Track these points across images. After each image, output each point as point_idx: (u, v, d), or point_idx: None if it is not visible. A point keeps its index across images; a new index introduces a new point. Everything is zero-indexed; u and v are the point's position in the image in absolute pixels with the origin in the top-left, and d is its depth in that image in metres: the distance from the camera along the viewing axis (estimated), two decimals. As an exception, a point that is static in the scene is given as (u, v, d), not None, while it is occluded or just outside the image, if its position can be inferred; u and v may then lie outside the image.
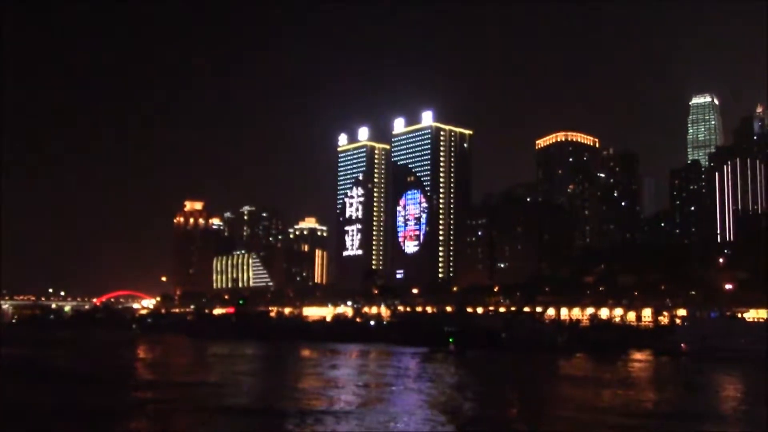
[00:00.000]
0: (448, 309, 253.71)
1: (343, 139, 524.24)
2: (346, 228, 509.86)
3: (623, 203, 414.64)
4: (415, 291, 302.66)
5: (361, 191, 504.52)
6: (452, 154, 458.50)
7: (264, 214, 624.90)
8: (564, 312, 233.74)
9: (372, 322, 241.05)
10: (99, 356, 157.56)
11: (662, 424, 69.39)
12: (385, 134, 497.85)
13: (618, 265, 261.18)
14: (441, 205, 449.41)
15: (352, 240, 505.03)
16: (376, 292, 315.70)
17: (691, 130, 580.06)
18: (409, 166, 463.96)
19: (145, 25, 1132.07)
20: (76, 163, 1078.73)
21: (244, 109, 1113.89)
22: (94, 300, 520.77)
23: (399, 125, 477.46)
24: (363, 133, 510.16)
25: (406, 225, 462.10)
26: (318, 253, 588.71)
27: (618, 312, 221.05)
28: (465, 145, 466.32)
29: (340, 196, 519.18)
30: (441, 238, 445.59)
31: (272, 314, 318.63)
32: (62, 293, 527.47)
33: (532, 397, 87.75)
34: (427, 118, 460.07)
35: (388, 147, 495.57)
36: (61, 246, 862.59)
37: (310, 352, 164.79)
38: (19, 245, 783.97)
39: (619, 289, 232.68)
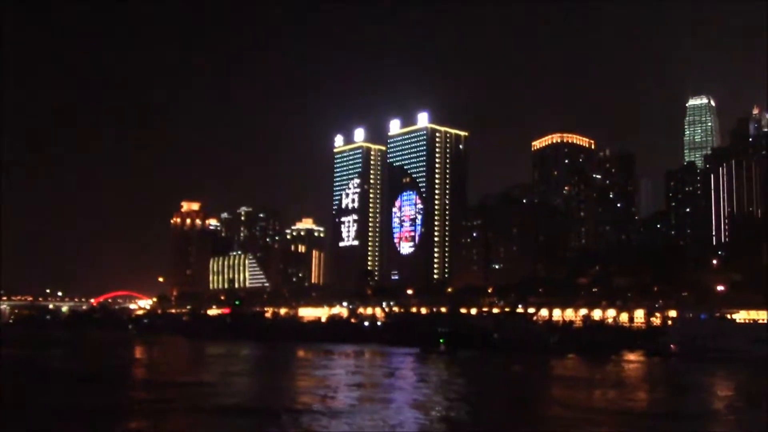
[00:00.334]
0: (443, 310, 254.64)
1: (339, 140, 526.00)
2: (342, 226, 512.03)
3: (619, 204, 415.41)
4: (409, 292, 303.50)
5: (357, 192, 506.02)
6: (448, 155, 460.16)
7: (261, 215, 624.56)
8: (558, 313, 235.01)
9: (366, 323, 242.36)
10: (94, 356, 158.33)
11: (642, 423, 70.25)
12: (381, 135, 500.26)
13: (613, 266, 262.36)
14: (436, 207, 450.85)
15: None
16: (370, 292, 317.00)
17: (687, 132, 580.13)
18: (405, 167, 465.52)
19: (145, 25, 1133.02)
20: (76, 163, 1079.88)
21: (241, 110, 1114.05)
22: (92, 300, 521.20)
23: (395, 126, 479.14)
24: (359, 134, 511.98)
25: (401, 226, 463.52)
26: (315, 253, 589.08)
27: (611, 313, 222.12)
28: (460, 146, 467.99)
29: (336, 197, 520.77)
30: (436, 239, 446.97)
31: (268, 315, 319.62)
32: (60, 294, 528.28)
33: (515, 397, 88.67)
34: (423, 120, 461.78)
35: (384, 148, 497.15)
36: (59, 246, 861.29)
37: (304, 353, 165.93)
38: (18, 245, 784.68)
39: (613, 290, 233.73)
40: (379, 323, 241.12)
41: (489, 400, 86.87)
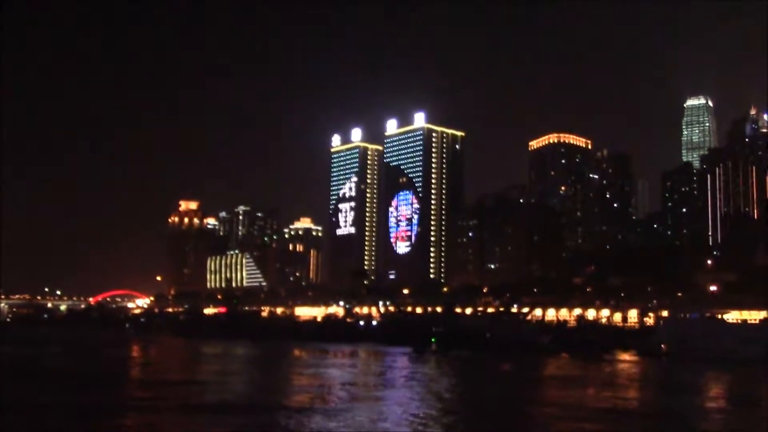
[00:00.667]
0: (438, 309, 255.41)
1: (336, 140, 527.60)
2: (338, 226, 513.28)
3: (616, 205, 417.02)
4: (405, 291, 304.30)
5: (353, 192, 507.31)
6: (444, 155, 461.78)
7: (259, 214, 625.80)
8: (552, 313, 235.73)
9: (361, 323, 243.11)
10: (88, 355, 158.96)
11: (620, 421, 70.87)
12: (378, 135, 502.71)
13: (607, 266, 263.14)
14: (433, 206, 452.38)
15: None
16: (365, 292, 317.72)
17: (685, 132, 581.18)
18: (402, 167, 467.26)
19: (144, 24, 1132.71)
20: (75, 163, 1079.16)
21: (240, 110, 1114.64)
22: (90, 299, 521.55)
23: (391, 126, 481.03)
24: (356, 133, 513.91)
25: (398, 226, 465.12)
26: (313, 253, 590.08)
27: (605, 313, 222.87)
28: (457, 146, 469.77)
29: (333, 197, 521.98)
30: (433, 239, 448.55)
31: (264, 314, 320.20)
32: (58, 292, 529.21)
33: (499, 396, 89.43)
34: (420, 120, 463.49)
35: (380, 148, 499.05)
36: (58, 245, 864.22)
37: (299, 352, 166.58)
38: (18, 245, 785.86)
39: (608, 290, 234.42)
40: (374, 323, 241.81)
41: (467, 398, 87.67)
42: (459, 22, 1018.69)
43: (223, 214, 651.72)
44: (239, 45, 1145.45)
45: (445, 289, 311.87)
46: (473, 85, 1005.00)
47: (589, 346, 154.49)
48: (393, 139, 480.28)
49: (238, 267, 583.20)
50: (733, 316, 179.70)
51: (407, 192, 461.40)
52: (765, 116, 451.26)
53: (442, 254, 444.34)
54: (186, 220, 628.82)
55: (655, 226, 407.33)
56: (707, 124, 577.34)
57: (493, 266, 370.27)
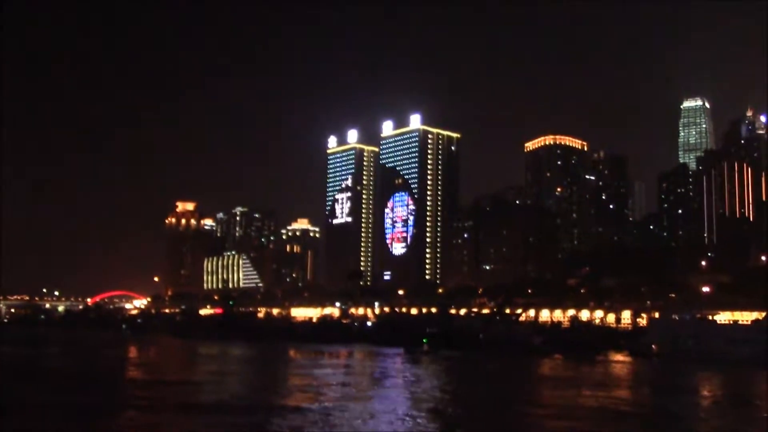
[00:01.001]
0: (434, 310, 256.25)
1: (332, 142, 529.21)
2: (335, 226, 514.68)
3: (612, 206, 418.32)
4: (401, 292, 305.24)
5: (349, 193, 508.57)
6: (440, 156, 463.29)
7: (257, 215, 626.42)
8: (546, 314, 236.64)
9: (356, 324, 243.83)
10: (83, 356, 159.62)
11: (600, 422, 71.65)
12: (374, 137, 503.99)
13: (602, 267, 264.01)
14: (428, 208, 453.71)
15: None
16: (360, 293, 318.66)
17: (682, 134, 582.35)
18: (397, 168, 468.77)
19: (143, 24, 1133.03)
20: (74, 163, 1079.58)
21: (238, 111, 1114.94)
22: (88, 300, 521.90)
23: (387, 128, 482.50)
24: (352, 135, 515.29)
25: (393, 227, 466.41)
26: (310, 254, 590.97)
27: (599, 314, 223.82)
28: (453, 148, 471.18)
29: (330, 198, 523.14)
30: (428, 240, 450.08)
31: (260, 315, 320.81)
32: (57, 293, 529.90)
33: (485, 395, 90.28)
34: (415, 121, 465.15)
35: (376, 149, 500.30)
36: (57, 246, 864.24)
37: (293, 353, 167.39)
38: (17, 245, 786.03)
39: (601, 291, 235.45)
40: (369, 324, 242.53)
41: (449, 399, 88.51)
42: (456, 22, 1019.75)
43: (220, 215, 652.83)
44: (239, 45, 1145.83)
45: (440, 290, 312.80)
46: (469, 87, 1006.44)
47: (581, 346, 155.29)
48: (389, 140, 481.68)
49: (235, 268, 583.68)
50: (724, 317, 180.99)
51: (403, 193, 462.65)
52: (761, 118, 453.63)
53: (438, 255, 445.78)
54: (183, 221, 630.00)
55: (651, 227, 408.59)
56: (704, 126, 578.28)
57: (488, 267, 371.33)
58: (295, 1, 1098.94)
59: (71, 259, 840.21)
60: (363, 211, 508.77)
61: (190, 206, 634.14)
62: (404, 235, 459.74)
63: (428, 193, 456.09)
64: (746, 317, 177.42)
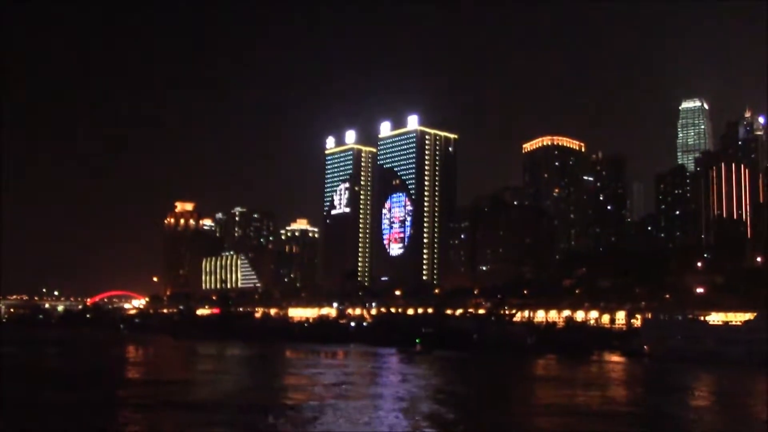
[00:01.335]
0: (430, 311, 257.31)
1: (330, 142, 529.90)
2: (332, 226, 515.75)
3: (609, 207, 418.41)
4: (398, 293, 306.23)
5: (347, 194, 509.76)
6: (437, 157, 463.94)
7: (255, 215, 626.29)
8: (542, 314, 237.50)
9: (352, 324, 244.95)
10: (79, 355, 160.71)
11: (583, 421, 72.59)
12: (372, 137, 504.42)
13: (598, 268, 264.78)
14: (426, 209, 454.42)
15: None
16: (357, 293, 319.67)
17: (680, 135, 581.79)
18: (395, 169, 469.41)
19: (142, 25, 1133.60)
20: (73, 163, 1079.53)
21: (237, 111, 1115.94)
22: (87, 300, 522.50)
23: (385, 128, 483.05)
24: (350, 136, 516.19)
25: (391, 227, 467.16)
26: (308, 254, 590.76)
27: (594, 315, 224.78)
28: (450, 148, 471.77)
29: (327, 199, 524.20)
30: (425, 241, 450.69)
31: (258, 315, 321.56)
32: (56, 293, 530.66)
33: (473, 394, 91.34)
34: (413, 122, 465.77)
35: (374, 150, 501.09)
36: (57, 246, 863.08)
37: (290, 353, 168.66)
38: (16, 245, 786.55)
39: (597, 292, 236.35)
40: (365, 324, 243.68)
41: (432, 394, 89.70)
42: (453, 23, 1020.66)
43: (219, 215, 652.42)
44: (238, 45, 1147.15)
45: (436, 291, 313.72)
46: (467, 87, 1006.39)
47: (575, 347, 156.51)
48: (386, 141, 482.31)
49: (233, 268, 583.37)
50: (717, 318, 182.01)
51: (400, 194, 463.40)
52: (760, 119, 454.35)
53: (435, 256, 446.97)
54: (182, 221, 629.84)
55: (648, 228, 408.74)
56: (702, 127, 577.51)
57: (485, 268, 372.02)
58: (295, 1, 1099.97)
59: (71, 259, 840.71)
60: (360, 212, 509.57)
61: (189, 206, 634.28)
62: (401, 235, 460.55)
63: (425, 193, 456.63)
64: (739, 318, 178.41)
